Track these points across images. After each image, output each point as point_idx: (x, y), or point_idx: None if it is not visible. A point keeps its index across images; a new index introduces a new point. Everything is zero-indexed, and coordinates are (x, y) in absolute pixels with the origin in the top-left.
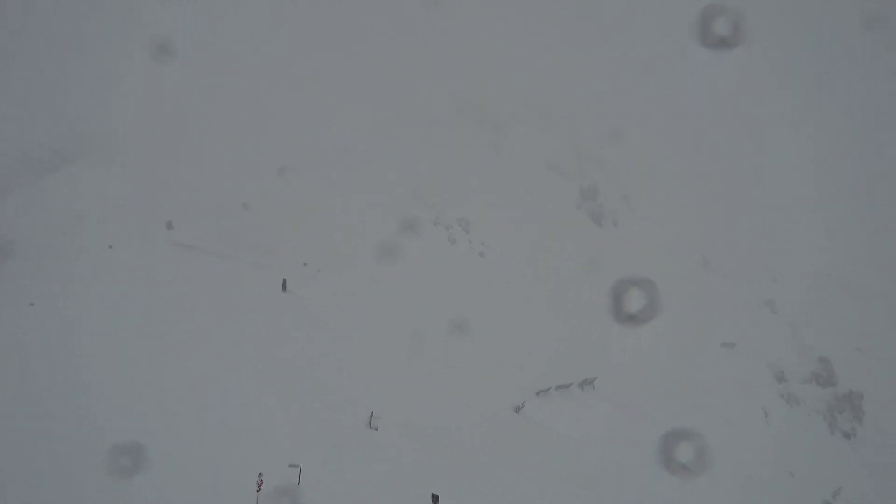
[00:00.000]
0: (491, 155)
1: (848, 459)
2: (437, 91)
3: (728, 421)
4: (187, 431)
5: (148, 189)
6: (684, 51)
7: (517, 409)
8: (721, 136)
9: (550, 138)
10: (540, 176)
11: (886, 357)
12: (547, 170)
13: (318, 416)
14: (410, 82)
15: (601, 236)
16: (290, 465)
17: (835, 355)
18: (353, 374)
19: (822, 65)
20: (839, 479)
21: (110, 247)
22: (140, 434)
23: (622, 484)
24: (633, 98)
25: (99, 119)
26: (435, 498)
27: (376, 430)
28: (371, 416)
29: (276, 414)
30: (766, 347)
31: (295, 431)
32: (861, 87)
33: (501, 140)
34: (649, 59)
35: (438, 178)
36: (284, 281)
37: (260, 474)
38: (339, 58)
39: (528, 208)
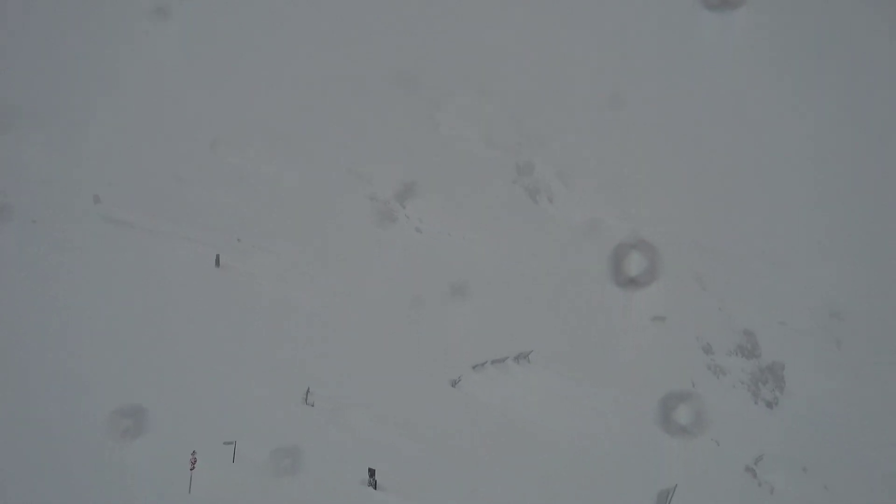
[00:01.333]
0: (428, 129)
1: (770, 427)
2: (374, 65)
3: (656, 392)
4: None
5: (74, 161)
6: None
7: (453, 384)
8: (654, 111)
9: (489, 112)
10: (477, 151)
11: (807, 329)
12: (484, 144)
13: (252, 392)
14: (347, 55)
15: (535, 212)
16: (225, 443)
17: (759, 328)
18: (287, 347)
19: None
20: (761, 446)
21: (34, 221)
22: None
23: (562, 451)
24: (576, 73)
25: (22, 89)
26: (371, 472)
27: (312, 405)
28: (307, 391)
29: (202, 387)
30: (695, 321)
31: (230, 406)
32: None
33: (440, 114)
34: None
35: (375, 153)
36: (218, 256)
37: (193, 452)
38: (276, 30)
39: (464, 183)
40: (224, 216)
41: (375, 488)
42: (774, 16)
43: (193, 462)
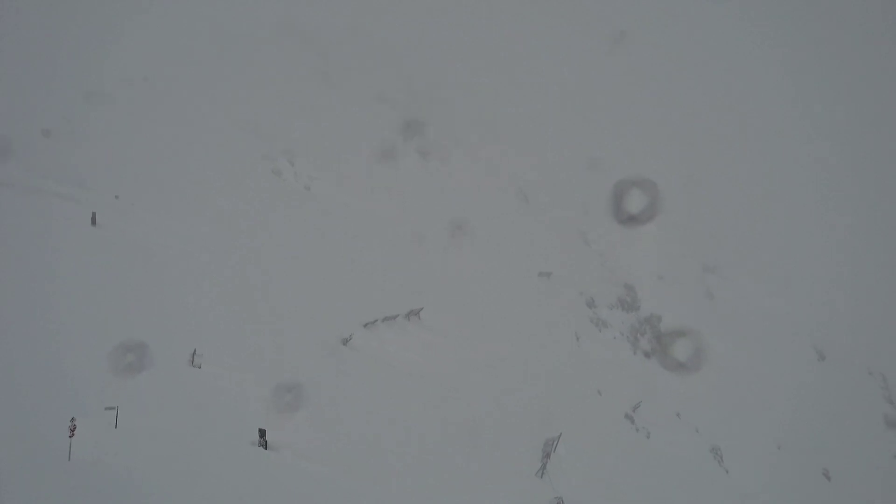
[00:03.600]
0: (318, 84)
1: (647, 376)
2: (261, 17)
3: (543, 344)
4: None
5: None
6: None
7: (345, 342)
8: (535, 68)
9: (382, 70)
10: (369, 107)
11: (681, 283)
12: (376, 101)
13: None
14: (233, 7)
15: (426, 171)
16: (107, 408)
17: (638, 282)
18: (169, 310)
19: None
20: (639, 395)
21: None
22: None
23: (453, 403)
24: (469, 31)
25: None
26: (262, 433)
27: (199, 367)
28: (193, 353)
29: (80, 353)
30: (579, 276)
31: (108, 371)
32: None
33: (330, 69)
34: None
35: (265, 109)
36: (94, 214)
37: (72, 419)
38: None
39: (355, 140)
40: (100, 173)
41: (266, 448)
42: None
43: (73, 429)
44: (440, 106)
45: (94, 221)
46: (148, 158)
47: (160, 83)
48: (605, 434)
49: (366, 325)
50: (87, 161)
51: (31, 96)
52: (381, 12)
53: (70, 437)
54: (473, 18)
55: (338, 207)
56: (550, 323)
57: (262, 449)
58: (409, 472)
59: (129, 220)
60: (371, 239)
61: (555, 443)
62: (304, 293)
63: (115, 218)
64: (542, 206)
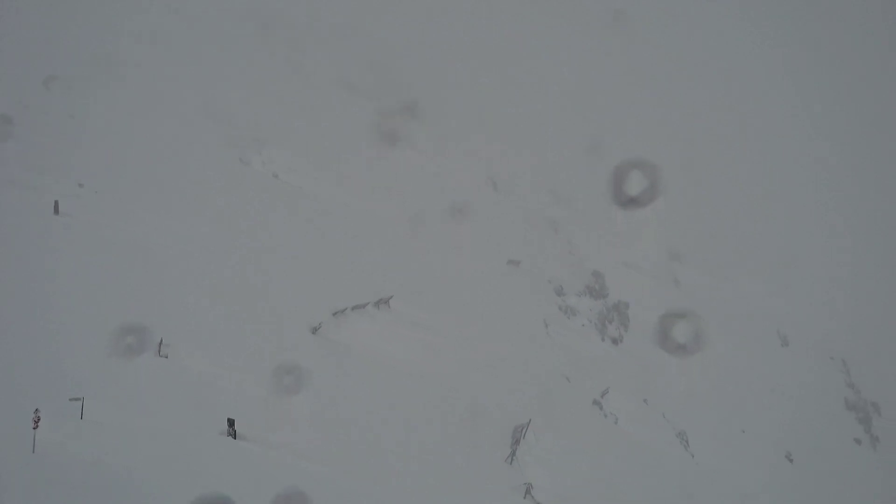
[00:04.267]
0: (286, 72)
1: (615, 363)
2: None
3: (513, 333)
4: None
5: None
6: None
7: (314, 331)
8: (501, 46)
9: (350, 55)
10: (336, 94)
11: (648, 269)
12: (343, 88)
13: (100, 347)
14: None
15: (395, 156)
16: (71, 399)
17: (606, 270)
18: (132, 299)
19: None
20: (607, 381)
21: None
22: None
23: (422, 390)
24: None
25: None
26: (231, 422)
27: (166, 357)
28: (160, 343)
29: (45, 344)
30: (548, 264)
31: (78, 362)
32: None
33: (298, 57)
34: None
35: (231, 95)
36: (56, 203)
37: (36, 410)
38: None
39: (323, 127)
40: (62, 160)
41: (235, 438)
42: None
43: (36, 421)
44: (414, 94)
45: (56, 210)
46: (111, 146)
47: (124, 69)
48: (574, 420)
49: (335, 314)
50: (48, 148)
51: None
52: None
53: (34, 428)
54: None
55: (309, 194)
56: (519, 310)
57: (230, 439)
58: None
59: (93, 210)
60: (342, 227)
61: (524, 429)
62: (273, 279)
63: (78, 206)
64: (511, 194)
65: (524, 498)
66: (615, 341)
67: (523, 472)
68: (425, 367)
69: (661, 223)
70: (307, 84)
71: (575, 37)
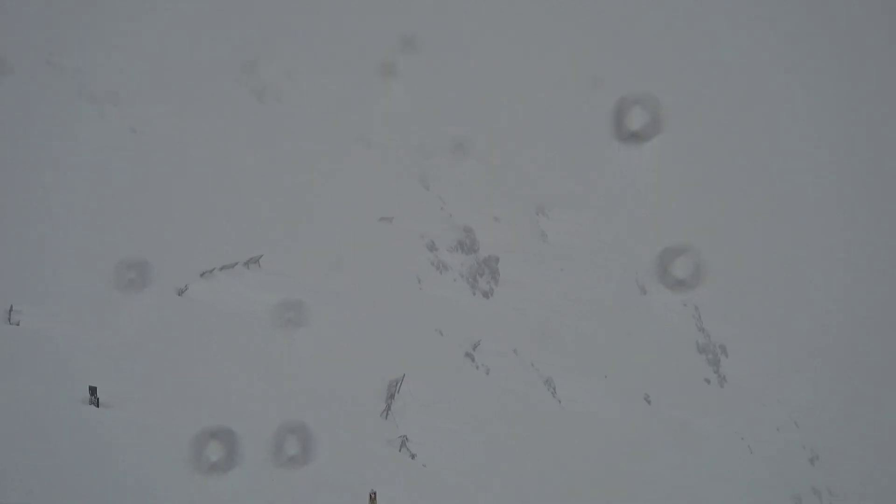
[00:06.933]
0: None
1: (486, 316)
2: None
3: (384, 289)
4: None
5: None
6: None
7: (180, 293)
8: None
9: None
10: (196, 46)
11: (517, 224)
12: (211, 41)
13: None
14: None
15: (262, 112)
16: None
17: (476, 225)
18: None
19: None
20: (479, 334)
21: None
22: None
23: (292, 350)
24: None
25: None
26: (92, 390)
27: (18, 325)
28: (10, 309)
29: None
30: (419, 220)
31: None
32: None
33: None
34: None
35: (82, 42)
36: None
37: None
38: None
39: (183, 80)
40: None
41: (98, 406)
42: None
43: None
44: (273, 45)
45: None
46: None
47: None
48: (447, 373)
49: (202, 275)
50: None
51: None
52: None
53: None
54: None
55: (162, 147)
56: (392, 266)
57: (93, 407)
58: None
59: None
60: (210, 184)
61: (398, 384)
62: (136, 240)
63: None
64: (383, 150)
65: (399, 451)
66: (486, 294)
67: (398, 425)
68: (296, 324)
69: (523, 178)
70: (169, 32)
71: None
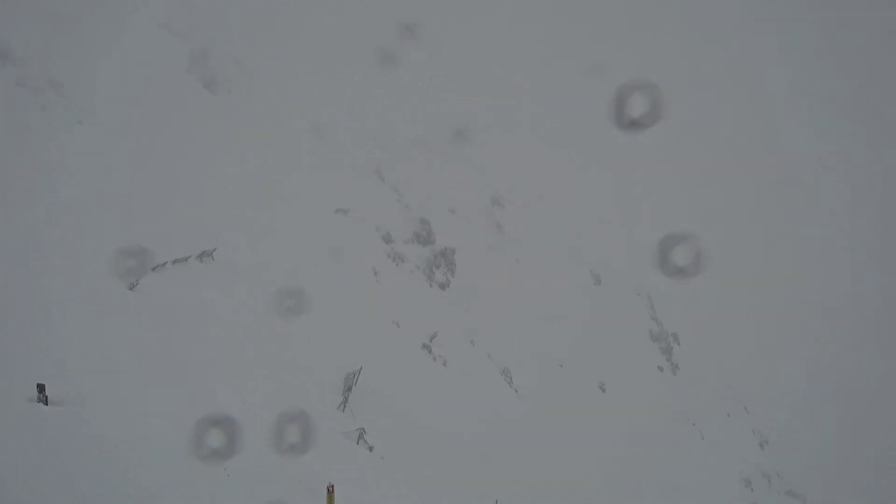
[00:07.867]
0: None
1: (443, 307)
2: None
3: (340, 281)
4: None
5: None
6: None
7: (131, 287)
8: None
9: None
10: (151, 36)
11: (472, 217)
12: (158, 29)
13: None
14: None
15: (214, 103)
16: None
17: (433, 216)
18: None
19: None
20: (435, 325)
21: None
22: None
23: (246, 341)
24: None
25: None
26: (41, 388)
27: None
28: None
29: None
30: (375, 212)
31: None
32: None
33: None
34: None
35: (28, 30)
36: None
37: None
38: None
39: (139, 72)
40: None
41: (47, 404)
42: None
43: None
44: (226, 34)
45: None
46: None
47: None
48: (404, 364)
49: (154, 269)
50: None
51: None
52: None
53: None
54: None
55: (122, 140)
56: (348, 259)
57: (42, 405)
58: None
59: None
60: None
61: (355, 376)
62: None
63: None
64: (338, 143)
65: (357, 443)
66: (442, 286)
67: (356, 418)
68: (247, 318)
69: (482, 170)
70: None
71: None
